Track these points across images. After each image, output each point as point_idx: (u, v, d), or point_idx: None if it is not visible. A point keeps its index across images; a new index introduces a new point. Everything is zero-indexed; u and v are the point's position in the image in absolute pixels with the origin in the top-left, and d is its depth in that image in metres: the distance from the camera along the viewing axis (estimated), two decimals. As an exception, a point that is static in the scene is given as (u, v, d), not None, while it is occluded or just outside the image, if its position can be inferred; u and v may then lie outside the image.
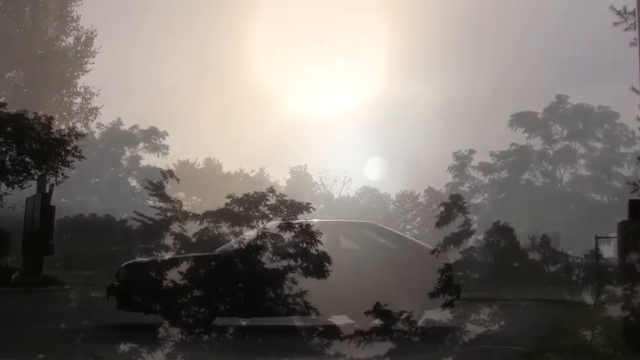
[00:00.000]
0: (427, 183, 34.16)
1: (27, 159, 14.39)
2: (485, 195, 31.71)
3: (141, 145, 32.95)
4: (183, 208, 9.55)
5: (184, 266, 7.60)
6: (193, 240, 8.87)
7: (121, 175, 33.61)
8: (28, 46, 34.30)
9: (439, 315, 7.80)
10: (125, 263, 8.53)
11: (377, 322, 6.77)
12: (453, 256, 9.02)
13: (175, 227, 9.34)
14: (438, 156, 31.24)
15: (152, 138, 32.06)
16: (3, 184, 14.45)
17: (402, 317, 6.71)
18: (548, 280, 11.98)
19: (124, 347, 6.00)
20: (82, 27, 36.50)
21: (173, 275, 7.56)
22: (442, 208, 8.73)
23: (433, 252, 8.07)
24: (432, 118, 34.99)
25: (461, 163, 31.30)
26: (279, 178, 40.32)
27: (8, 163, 14.17)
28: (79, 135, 15.42)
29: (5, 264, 14.45)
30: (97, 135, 32.80)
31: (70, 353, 6.08)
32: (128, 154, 33.84)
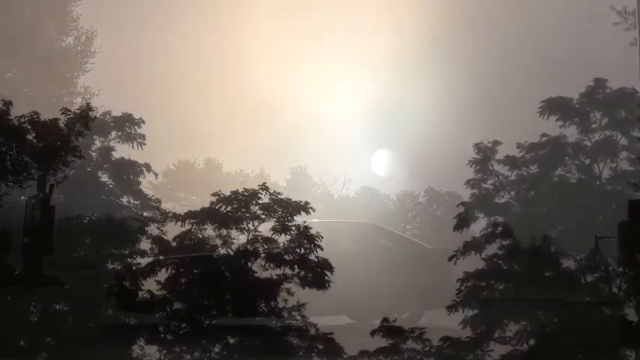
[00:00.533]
0: (429, 183, 34.01)
1: (27, 159, 14.35)
2: (512, 193, 28.83)
3: (113, 134, 29.84)
4: (182, 208, 9.21)
5: (184, 267, 7.58)
6: (174, 244, 8.04)
7: (89, 169, 30.44)
8: (28, 46, 34.29)
9: (440, 316, 7.75)
10: (125, 263, 8.53)
11: (377, 322, 6.70)
12: (475, 263, 8.12)
13: (154, 229, 8.76)
14: (442, 155, 30.85)
15: (126, 126, 29.01)
16: (3, 184, 14.40)
17: (415, 335, 6.11)
18: (584, 291, 10.81)
19: (124, 347, 5.98)
20: (82, 27, 36.57)
21: (172, 275, 7.54)
22: (462, 209, 8.14)
23: (450, 259, 7.74)
24: (435, 116, 34.69)
25: (484, 156, 27.85)
26: (279, 178, 40.19)
27: (8, 163, 14.12)
28: (79, 134, 15.34)
29: (5, 263, 14.41)
30: (61, 123, 30.15)
31: (70, 353, 6.05)
32: (98, 144, 30.48)
